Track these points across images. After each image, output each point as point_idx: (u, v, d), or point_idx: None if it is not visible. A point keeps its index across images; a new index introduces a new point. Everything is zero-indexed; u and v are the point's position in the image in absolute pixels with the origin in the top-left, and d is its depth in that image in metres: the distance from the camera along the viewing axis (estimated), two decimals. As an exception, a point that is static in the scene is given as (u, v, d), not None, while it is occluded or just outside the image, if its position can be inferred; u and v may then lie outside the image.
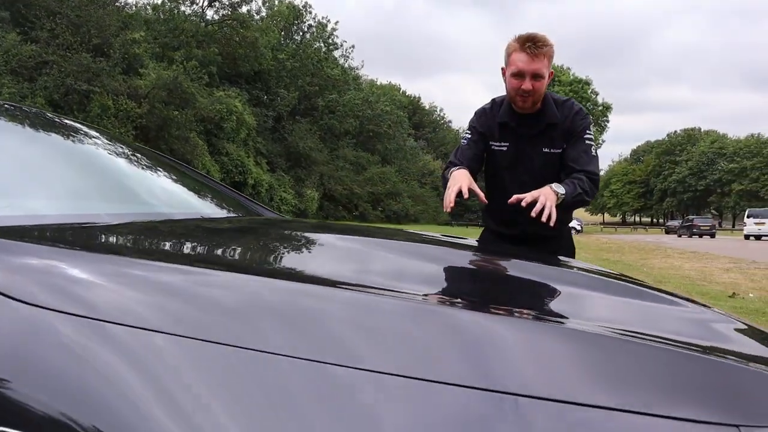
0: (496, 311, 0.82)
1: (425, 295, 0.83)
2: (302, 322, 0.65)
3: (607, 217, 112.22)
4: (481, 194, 2.04)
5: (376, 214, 43.65)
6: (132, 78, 20.03)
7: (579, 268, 1.42)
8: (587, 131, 2.21)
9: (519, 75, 2.07)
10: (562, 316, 0.88)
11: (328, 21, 45.89)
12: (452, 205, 1.93)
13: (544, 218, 1.87)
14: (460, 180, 1.97)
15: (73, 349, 0.60)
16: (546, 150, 2.20)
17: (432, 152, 63.14)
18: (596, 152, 2.23)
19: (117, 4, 21.14)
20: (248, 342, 0.59)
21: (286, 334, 0.62)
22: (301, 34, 45.17)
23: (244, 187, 29.89)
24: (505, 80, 2.19)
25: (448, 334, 0.65)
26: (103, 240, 1.07)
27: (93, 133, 1.93)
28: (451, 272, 1.17)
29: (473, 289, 1.08)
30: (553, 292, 1.07)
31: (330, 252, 1.20)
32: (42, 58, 17.21)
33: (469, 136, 2.32)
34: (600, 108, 52.25)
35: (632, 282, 1.34)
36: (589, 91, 51.70)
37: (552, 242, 2.31)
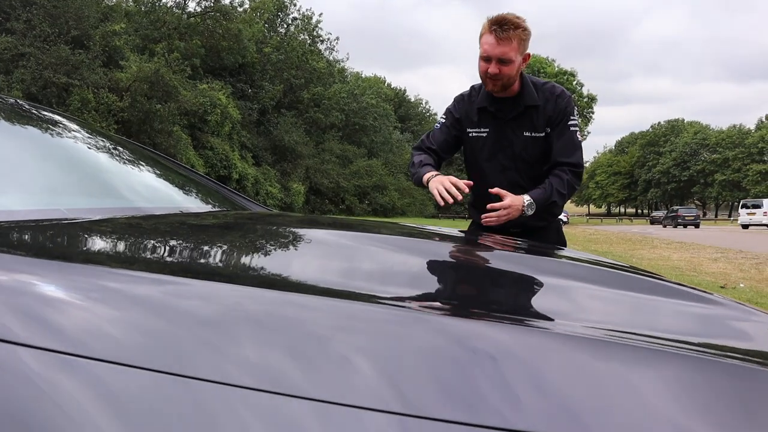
0: (498, 321, 0.69)
1: (416, 302, 0.72)
2: (291, 344, 0.54)
3: (593, 209, 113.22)
4: (466, 185, 1.99)
5: (363, 207, 43.52)
6: (113, 71, 19.58)
7: (588, 261, 1.29)
8: (572, 117, 2.14)
9: (486, 58, 2.01)
10: (579, 322, 0.75)
11: (313, 13, 45.45)
12: (452, 200, 1.93)
13: (484, 222, 2.03)
14: (442, 183, 1.94)
15: (40, 388, 0.49)
16: (527, 134, 2.13)
17: (418, 145, 62.90)
18: (579, 137, 2.19)
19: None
20: (230, 376, 0.49)
21: (272, 363, 0.52)
22: (285, 26, 44.72)
23: (229, 181, 29.54)
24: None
25: (445, 360, 0.53)
26: (74, 243, 0.92)
27: (71, 125, 1.77)
28: (444, 272, 1.04)
29: (472, 295, 0.94)
30: (560, 291, 0.93)
31: (318, 251, 1.06)
32: (18, 50, 16.70)
33: (444, 120, 2.27)
34: (585, 99, 52.51)
35: (647, 275, 1.22)
36: (575, 83, 51.90)
37: (540, 234, 2.24)
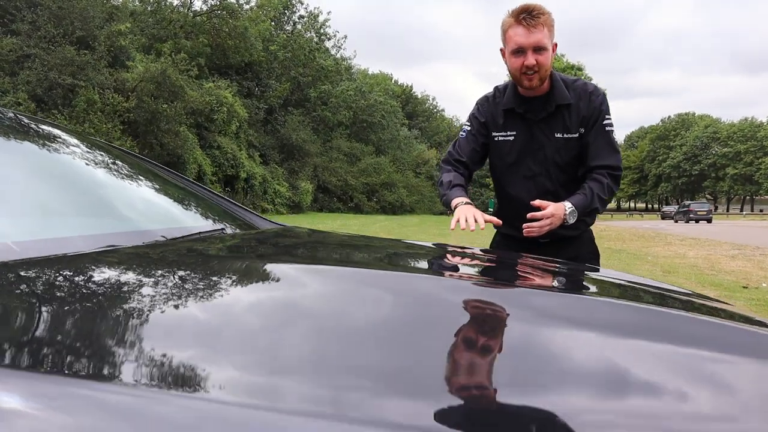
0: None
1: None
2: None
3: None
4: (494, 219, 1.90)
5: (371, 205, 43.33)
6: (118, 71, 19.46)
7: (635, 298, 0.99)
8: (607, 115, 1.98)
9: (519, 51, 1.86)
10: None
11: (320, 12, 45.32)
12: (467, 228, 1.78)
13: (525, 233, 1.87)
14: (467, 212, 1.82)
15: None
16: (559, 135, 1.96)
17: (426, 141, 62.75)
18: (616, 138, 2.03)
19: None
20: None
21: None
22: (292, 24, 44.56)
23: (236, 180, 29.43)
24: (506, 61, 1.95)
25: None
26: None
27: (70, 139, 1.57)
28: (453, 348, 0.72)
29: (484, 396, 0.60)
30: (601, 364, 0.62)
31: (300, 316, 0.78)
32: (23, 51, 16.59)
33: (468, 127, 2.13)
34: (594, 94, 51.95)
35: (713, 309, 0.95)
36: (583, 77, 51.34)
37: (570, 246, 2.05)
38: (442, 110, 77.09)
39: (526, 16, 1.83)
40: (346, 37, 53.87)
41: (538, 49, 1.84)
